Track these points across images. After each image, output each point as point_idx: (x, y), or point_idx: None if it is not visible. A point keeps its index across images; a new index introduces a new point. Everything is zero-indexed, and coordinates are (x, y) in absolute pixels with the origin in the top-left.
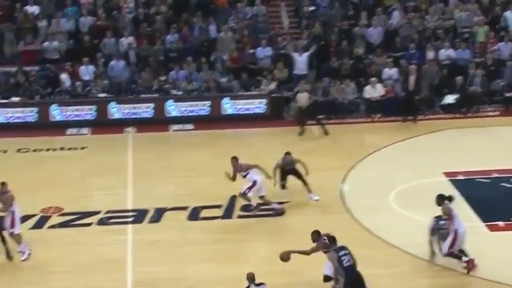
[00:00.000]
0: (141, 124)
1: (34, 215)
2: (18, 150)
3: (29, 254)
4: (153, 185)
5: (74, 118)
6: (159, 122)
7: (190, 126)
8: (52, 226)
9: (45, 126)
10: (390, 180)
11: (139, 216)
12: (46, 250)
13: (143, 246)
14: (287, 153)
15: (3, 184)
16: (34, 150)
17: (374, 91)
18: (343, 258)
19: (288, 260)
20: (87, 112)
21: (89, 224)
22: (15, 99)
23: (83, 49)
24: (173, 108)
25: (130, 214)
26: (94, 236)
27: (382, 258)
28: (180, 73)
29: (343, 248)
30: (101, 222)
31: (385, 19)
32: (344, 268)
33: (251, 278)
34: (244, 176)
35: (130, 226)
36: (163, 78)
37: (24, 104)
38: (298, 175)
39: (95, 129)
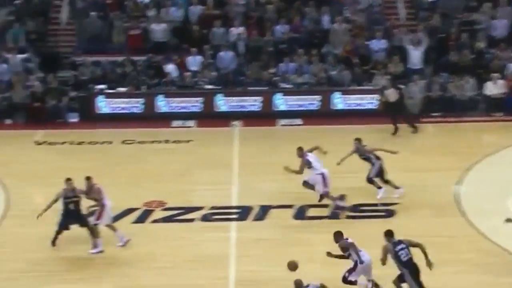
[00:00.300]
0: (248, 118)
1: (137, 208)
2: (123, 142)
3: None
4: (258, 181)
5: (180, 110)
6: (267, 116)
7: (298, 121)
8: (155, 221)
9: (150, 118)
10: (509, 184)
11: (243, 213)
12: (148, 245)
13: (247, 244)
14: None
15: (88, 178)
16: (139, 142)
17: (495, 87)
18: (400, 253)
19: (295, 269)
20: (194, 104)
21: (192, 220)
22: (121, 89)
23: (191, 39)
24: (281, 102)
25: (234, 210)
26: (197, 232)
27: (498, 266)
28: (290, 65)
29: (400, 242)
30: (205, 218)
31: (510, 11)
32: (403, 263)
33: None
34: (309, 167)
35: (234, 223)
36: (272, 70)
37: (130, 95)
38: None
39: (201, 122)
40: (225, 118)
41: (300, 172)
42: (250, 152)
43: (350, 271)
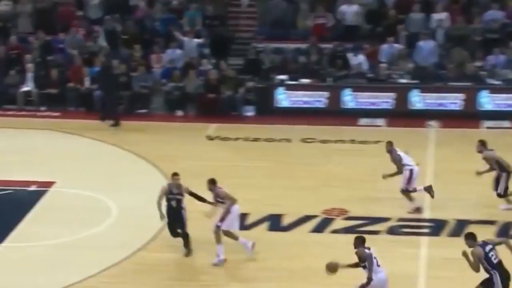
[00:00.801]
0: (447, 118)
1: (315, 216)
2: (303, 140)
3: (223, 260)
4: (455, 191)
5: (369, 107)
6: (469, 116)
7: (507, 124)
8: (335, 231)
9: (335, 114)
10: None
11: (436, 227)
12: (324, 257)
13: (439, 263)
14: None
15: (213, 182)
16: (321, 141)
17: None
18: (490, 254)
19: (335, 272)
20: (384, 100)
21: (377, 232)
22: (304, 81)
23: (386, 25)
24: (487, 101)
25: (426, 224)
26: (382, 247)
27: None
28: (500, 58)
29: (487, 243)
30: (392, 231)
31: None
32: (494, 265)
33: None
34: (400, 163)
35: (425, 238)
36: (478, 63)
37: (314, 87)
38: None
39: (392, 121)
40: (420, 117)
41: (400, 171)
42: (447, 157)
43: (363, 286)
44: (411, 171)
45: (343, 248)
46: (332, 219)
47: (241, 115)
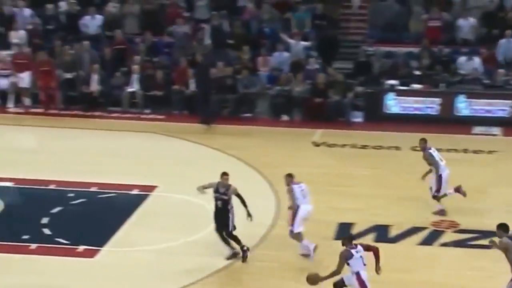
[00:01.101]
0: None
1: (424, 228)
2: (413, 148)
3: (315, 248)
4: None
5: (484, 114)
6: None
7: None
8: (445, 244)
9: (447, 121)
10: None
11: None
12: (432, 273)
13: None
14: None
15: (290, 175)
16: None
17: None
18: None
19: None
20: (501, 107)
21: (490, 247)
22: (415, 86)
23: (505, 26)
24: None
25: None
26: (495, 262)
27: None
28: None
29: None
30: None
31: None
32: None
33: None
34: (431, 164)
35: None
36: None
37: (425, 93)
38: None
39: (509, 130)
40: None
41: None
42: None
43: None
44: (440, 176)
45: (453, 262)
46: (442, 231)
47: (348, 121)
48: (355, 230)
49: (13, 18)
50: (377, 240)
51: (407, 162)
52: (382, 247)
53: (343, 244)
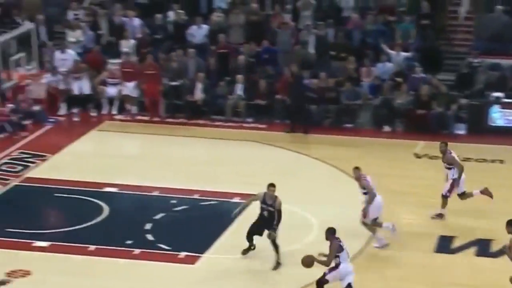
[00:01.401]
0: None
1: None
2: None
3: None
4: None
5: None
6: None
7: None
8: None
9: None
10: None
11: None
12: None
13: None
14: None
15: (357, 168)
16: None
17: None
18: None
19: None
20: None
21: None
22: None
23: None
24: None
25: None
26: None
27: None
28: None
29: None
30: None
31: None
32: None
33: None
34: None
35: None
36: None
37: None
38: None
39: None
40: None
41: (461, 168)
42: None
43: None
44: (453, 180)
45: None
46: None
47: (452, 133)
48: (456, 243)
49: (123, 28)
50: (478, 254)
51: (510, 176)
52: (483, 261)
53: (327, 238)
